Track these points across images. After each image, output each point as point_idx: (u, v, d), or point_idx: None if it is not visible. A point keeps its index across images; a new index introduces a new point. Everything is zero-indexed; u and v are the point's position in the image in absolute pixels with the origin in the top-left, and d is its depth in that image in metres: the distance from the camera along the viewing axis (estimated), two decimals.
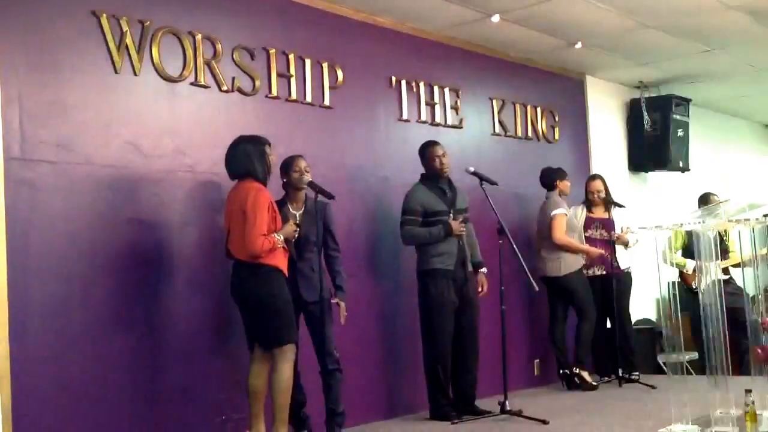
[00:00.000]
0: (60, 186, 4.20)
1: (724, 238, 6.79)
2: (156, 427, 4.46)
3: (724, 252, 6.62)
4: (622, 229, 6.83)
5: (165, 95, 4.69)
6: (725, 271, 6.54)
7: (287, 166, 4.78)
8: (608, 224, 6.83)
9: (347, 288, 4.84)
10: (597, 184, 6.93)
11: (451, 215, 5.51)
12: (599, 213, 6.91)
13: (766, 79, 8.40)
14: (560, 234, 6.55)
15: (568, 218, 6.64)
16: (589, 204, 6.95)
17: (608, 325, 6.93)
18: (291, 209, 4.76)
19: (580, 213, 6.90)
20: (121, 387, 4.33)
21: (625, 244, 6.85)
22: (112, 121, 4.43)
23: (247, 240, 4.22)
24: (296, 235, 4.49)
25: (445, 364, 5.48)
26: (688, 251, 6.91)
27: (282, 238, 4.31)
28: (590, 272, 6.79)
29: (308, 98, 5.42)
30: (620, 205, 6.89)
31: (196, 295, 4.71)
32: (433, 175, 5.58)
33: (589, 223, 6.86)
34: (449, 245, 5.48)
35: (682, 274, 6.97)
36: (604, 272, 6.77)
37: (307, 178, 4.70)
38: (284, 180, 4.77)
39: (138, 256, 4.49)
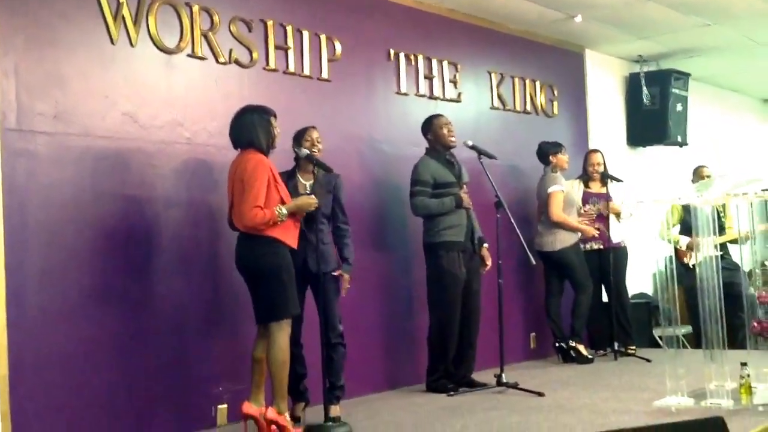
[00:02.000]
0: (57, 157, 4.19)
1: (721, 214, 6.80)
2: (152, 398, 4.48)
3: (721, 228, 6.63)
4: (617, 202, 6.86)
5: (162, 67, 4.67)
6: (721, 246, 6.56)
7: (299, 136, 4.76)
8: (605, 199, 6.84)
9: (353, 261, 4.84)
10: (596, 157, 6.94)
11: (462, 187, 5.52)
12: (596, 188, 6.92)
13: (765, 54, 8.37)
14: (557, 211, 6.57)
15: (566, 194, 6.64)
16: (587, 179, 6.96)
17: (604, 299, 6.97)
18: (301, 180, 4.74)
19: (578, 187, 6.91)
20: (117, 357, 4.34)
21: (617, 215, 6.87)
22: (108, 92, 4.41)
23: (241, 211, 4.21)
24: (313, 208, 4.43)
25: (453, 337, 5.49)
26: (685, 228, 6.94)
27: (285, 212, 4.26)
28: (587, 246, 6.82)
29: (306, 71, 5.40)
30: (617, 180, 6.90)
31: (192, 267, 4.71)
32: (439, 148, 5.57)
33: (586, 198, 6.88)
34: (460, 217, 5.49)
35: (675, 250, 6.99)
36: (601, 246, 6.79)
37: (304, 151, 4.68)
38: (296, 151, 4.75)
39: (134, 228, 4.49)
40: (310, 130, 4.79)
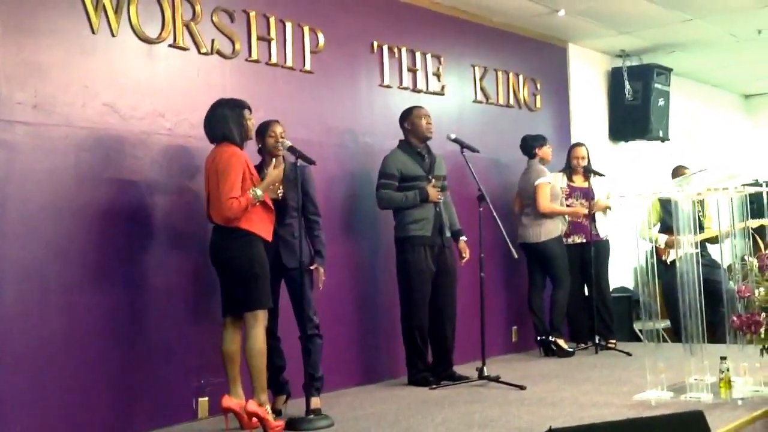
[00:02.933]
0: (37, 147, 4.15)
1: (700, 213, 6.84)
2: (134, 388, 4.45)
3: (701, 227, 6.65)
4: (601, 197, 6.89)
5: (143, 57, 4.63)
6: (700, 244, 6.60)
7: (263, 131, 4.73)
8: (588, 193, 6.86)
9: (326, 253, 4.82)
10: (581, 151, 6.97)
11: (431, 181, 5.51)
12: (579, 182, 6.94)
13: (746, 49, 8.41)
14: (545, 202, 6.59)
15: (552, 186, 6.66)
16: (570, 172, 6.98)
17: (586, 292, 6.99)
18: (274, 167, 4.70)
19: (561, 180, 6.93)
20: (99, 349, 4.31)
21: (604, 210, 6.90)
22: (89, 82, 4.37)
23: (219, 205, 4.20)
24: (280, 178, 4.44)
25: (422, 330, 5.50)
26: (663, 227, 6.99)
27: (260, 192, 4.26)
28: (569, 240, 6.84)
29: (288, 62, 5.37)
30: (600, 174, 6.92)
31: (173, 258, 4.69)
32: (413, 140, 5.56)
33: (570, 192, 6.90)
34: (426, 211, 5.48)
35: (655, 247, 7.02)
36: (584, 240, 6.82)
37: (287, 143, 4.65)
38: (259, 145, 4.73)
39: (115, 219, 4.45)
40: (273, 125, 4.72)
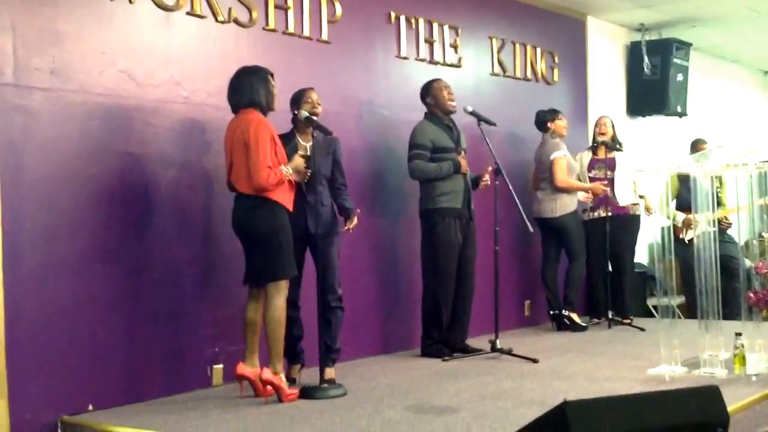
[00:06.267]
0: (53, 113, 4.14)
1: (718, 190, 6.78)
2: (148, 355, 4.48)
3: (719, 203, 6.59)
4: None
5: (160, 24, 4.61)
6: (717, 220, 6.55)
7: (298, 98, 4.72)
8: (611, 164, 6.77)
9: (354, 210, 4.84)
10: (603, 121, 6.90)
11: (461, 153, 5.49)
12: (602, 153, 6.86)
13: (766, 24, 8.30)
14: (562, 176, 6.53)
15: (568, 160, 6.61)
16: (595, 147, 6.89)
17: (609, 267, 6.85)
18: (301, 142, 4.70)
19: (586, 157, 6.88)
20: (113, 316, 4.33)
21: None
22: (106, 49, 4.36)
23: (253, 173, 4.18)
24: (308, 172, 4.44)
25: (447, 304, 5.50)
26: (680, 203, 6.93)
27: (290, 170, 4.27)
28: (595, 214, 6.76)
29: (305, 32, 5.34)
30: (617, 149, 6.86)
31: (186, 228, 4.69)
32: (438, 112, 5.53)
33: (593, 164, 6.84)
34: (456, 183, 5.46)
35: (672, 226, 6.98)
36: (609, 213, 6.70)
37: (303, 113, 4.63)
38: (295, 113, 4.71)
39: (130, 187, 4.46)
40: (309, 92, 4.74)
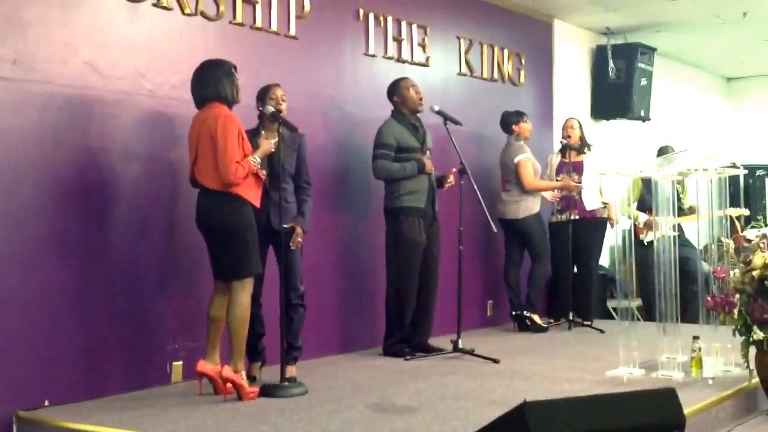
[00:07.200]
0: (15, 103, 4.08)
1: (680, 195, 6.86)
2: (108, 351, 4.43)
3: (680, 208, 6.66)
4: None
5: (126, 15, 4.55)
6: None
7: (263, 94, 4.69)
8: (578, 168, 6.79)
9: (309, 218, 4.80)
10: (573, 123, 6.91)
11: (425, 153, 5.50)
12: (570, 156, 6.85)
13: (730, 32, 8.43)
14: (529, 179, 6.56)
15: (532, 162, 6.64)
16: (563, 150, 6.90)
17: (575, 269, 6.91)
18: (265, 138, 4.66)
19: (555, 159, 6.91)
20: (72, 309, 4.28)
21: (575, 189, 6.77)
22: (70, 39, 4.30)
23: (221, 168, 4.14)
24: (273, 149, 4.40)
25: (410, 303, 5.50)
26: (643, 205, 6.99)
27: (258, 160, 4.24)
28: (562, 217, 6.79)
29: (273, 27, 5.31)
30: (585, 151, 6.88)
31: (148, 221, 4.64)
32: (405, 111, 5.53)
33: (560, 168, 6.84)
34: (421, 183, 5.47)
35: (633, 225, 7.04)
36: (577, 216, 6.74)
37: (269, 108, 4.61)
38: (260, 109, 4.68)
39: (93, 178, 4.40)
40: (274, 88, 4.72)
